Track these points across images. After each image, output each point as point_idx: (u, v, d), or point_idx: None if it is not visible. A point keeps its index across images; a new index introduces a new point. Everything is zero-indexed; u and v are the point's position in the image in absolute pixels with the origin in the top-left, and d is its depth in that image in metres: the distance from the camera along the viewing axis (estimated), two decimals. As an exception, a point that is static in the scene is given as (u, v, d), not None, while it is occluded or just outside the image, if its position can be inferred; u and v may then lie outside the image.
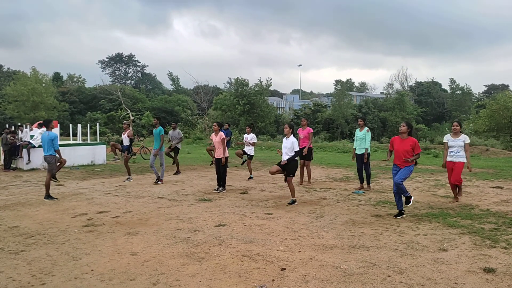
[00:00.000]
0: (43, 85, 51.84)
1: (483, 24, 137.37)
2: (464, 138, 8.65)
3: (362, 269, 4.75)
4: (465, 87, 70.99)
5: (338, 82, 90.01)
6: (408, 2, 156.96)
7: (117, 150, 13.51)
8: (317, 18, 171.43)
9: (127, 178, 12.59)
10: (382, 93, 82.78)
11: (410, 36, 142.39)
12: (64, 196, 9.98)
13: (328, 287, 4.25)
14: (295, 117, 51.10)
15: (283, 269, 4.77)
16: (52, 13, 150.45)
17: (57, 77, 73.20)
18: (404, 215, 7.22)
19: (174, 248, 5.70)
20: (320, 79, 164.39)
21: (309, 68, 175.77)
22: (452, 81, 72.50)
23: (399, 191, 7.19)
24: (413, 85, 77.24)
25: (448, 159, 8.75)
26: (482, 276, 4.47)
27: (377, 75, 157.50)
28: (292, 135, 8.68)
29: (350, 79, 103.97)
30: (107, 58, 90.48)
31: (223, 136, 10.37)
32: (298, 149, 8.58)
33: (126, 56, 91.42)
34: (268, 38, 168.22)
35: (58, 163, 9.87)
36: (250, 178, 12.70)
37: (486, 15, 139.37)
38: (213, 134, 10.55)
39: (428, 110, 66.63)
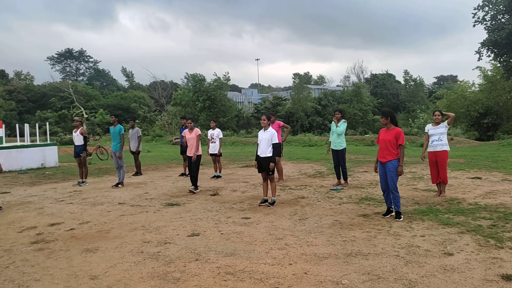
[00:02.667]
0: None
1: (430, 17, 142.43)
2: (444, 124, 8.35)
3: (367, 283, 4.10)
4: (418, 78, 73.03)
5: (296, 75, 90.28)
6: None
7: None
8: (268, 10, 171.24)
9: (82, 182, 11.44)
10: (338, 85, 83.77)
11: (360, 30, 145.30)
12: (10, 206, 8.77)
13: (334, 310, 3.57)
14: (255, 111, 50.49)
15: (276, 289, 4.05)
16: None
17: (2, 74, 68.72)
18: (393, 213, 6.68)
19: (142, 267, 4.84)
20: (276, 72, 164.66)
21: (264, 62, 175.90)
22: (406, 72, 74.29)
23: (394, 200, 6.62)
24: (369, 77, 78.65)
25: (429, 149, 8.36)
26: (503, 286, 3.93)
27: (330, 67, 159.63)
28: (270, 127, 7.96)
29: (308, 72, 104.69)
30: (56, 54, 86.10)
31: (199, 132, 9.76)
32: (277, 141, 7.87)
33: (76, 52, 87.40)
34: (219, 31, 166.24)
35: None
36: (218, 177, 11.88)
37: (432, 7, 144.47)
38: (186, 130, 9.83)
39: (384, 102, 67.87)
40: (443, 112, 8.62)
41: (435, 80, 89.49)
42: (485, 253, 4.81)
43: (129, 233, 6.30)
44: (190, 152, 9.64)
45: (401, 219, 6.45)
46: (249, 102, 75.93)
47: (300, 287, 4.08)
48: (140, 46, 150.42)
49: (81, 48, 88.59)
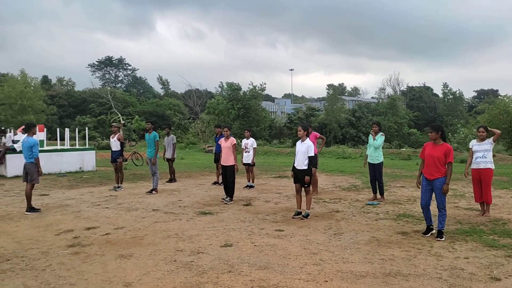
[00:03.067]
0: (32, 88, 50.55)
1: (470, 29, 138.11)
2: (489, 141, 7.96)
3: (408, 306, 3.91)
4: (457, 92, 70.92)
5: (330, 86, 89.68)
6: (393, 5, 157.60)
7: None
8: (302, 21, 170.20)
9: (118, 187, 11.64)
10: (373, 97, 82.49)
11: (396, 41, 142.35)
12: (48, 208, 9.01)
13: (373, 334, 3.40)
14: (288, 121, 50.34)
15: (311, 307, 3.91)
16: (30, 14, 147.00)
17: (45, 80, 71.69)
18: (434, 231, 6.40)
19: (175, 276, 4.81)
20: (309, 83, 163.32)
21: (297, 72, 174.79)
22: (445, 85, 72.38)
23: (440, 218, 6.33)
24: (405, 89, 77.12)
25: (473, 166, 8.00)
26: (558, 317, 3.65)
27: (364, 79, 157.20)
28: (307, 138, 7.84)
29: (342, 83, 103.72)
30: (97, 61, 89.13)
31: (234, 141, 9.62)
32: (313, 154, 7.73)
33: (116, 60, 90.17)
34: (253, 41, 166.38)
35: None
36: (251, 187, 11.82)
37: (473, 19, 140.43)
38: (223, 139, 9.75)
39: (420, 115, 66.36)
40: (489, 129, 8.20)
41: (475, 94, 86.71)
42: (537, 280, 4.51)
43: (162, 241, 6.31)
44: (225, 161, 9.58)
45: (443, 238, 6.16)
46: (282, 112, 75.92)
47: (337, 307, 3.93)
48: (176, 54, 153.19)
49: (121, 56, 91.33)
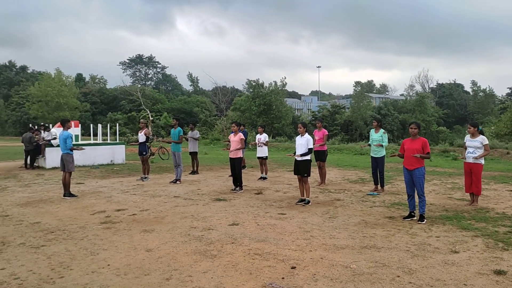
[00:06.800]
0: (67, 85, 53.13)
1: (502, 24, 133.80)
2: (482, 140, 8.54)
3: (372, 269, 4.79)
4: (487, 89, 69.55)
5: (357, 83, 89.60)
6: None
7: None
8: (325, 16, 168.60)
9: (145, 177, 12.83)
10: (402, 94, 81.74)
11: (424, 35, 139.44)
12: (84, 194, 10.26)
13: (337, 286, 4.31)
14: (312, 118, 50.95)
15: (293, 268, 4.85)
16: (54, 13, 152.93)
17: (79, 78, 74.79)
18: (415, 217, 7.20)
19: (188, 245, 5.84)
20: (335, 80, 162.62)
21: (322, 69, 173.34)
22: (474, 83, 71.12)
23: (420, 204, 7.13)
24: (434, 86, 76.12)
25: (465, 160, 8.68)
26: (492, 278, 4.46)
27: (390, 76, 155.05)
28: (306, 133, 8.76)
29: (372, 80, 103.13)
30: (128, 59, 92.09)
31: (242, 136, 10.54)
32: (311, 147, 8.65)
33: (146, 58, 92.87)
34: (275, 37, 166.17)
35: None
36: (264, 178, 12.76)
37: (503, 12, 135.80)
38: (232, 134, 10.72)
39: (450, 113, 65.52)
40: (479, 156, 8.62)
41: (509, 91, 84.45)
42: (489, 253, 5.29)
43: (180, 220, 7.37)
44: (232, 154, 10.49)
45: (424, 221, 6.96)
46: (308, 109, 76.43)
47: (314, 268, 4.86)
48: (197, 51, 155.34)
49: (151, 54, 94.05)
